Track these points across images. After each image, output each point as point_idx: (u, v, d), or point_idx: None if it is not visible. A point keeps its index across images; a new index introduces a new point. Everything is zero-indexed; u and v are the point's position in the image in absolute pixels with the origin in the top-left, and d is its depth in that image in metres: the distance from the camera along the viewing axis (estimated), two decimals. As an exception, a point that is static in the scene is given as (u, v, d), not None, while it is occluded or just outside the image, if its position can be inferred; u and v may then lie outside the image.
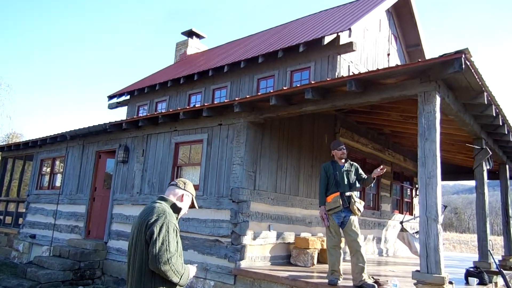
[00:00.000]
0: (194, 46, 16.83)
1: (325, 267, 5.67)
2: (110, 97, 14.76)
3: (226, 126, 6.80)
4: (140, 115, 13.47)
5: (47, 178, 11.04)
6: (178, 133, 7.57)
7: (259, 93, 6.64)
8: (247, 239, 6.20)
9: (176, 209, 2.55)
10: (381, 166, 5.14)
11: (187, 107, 7.86)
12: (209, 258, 6.43)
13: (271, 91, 5.89)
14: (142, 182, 7.99)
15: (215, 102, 6.75)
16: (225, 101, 6.47)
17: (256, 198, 6.49)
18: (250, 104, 6.25)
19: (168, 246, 2.26)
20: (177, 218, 2.52)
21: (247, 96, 6.11)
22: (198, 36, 17.04)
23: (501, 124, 6.37)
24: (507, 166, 9.23)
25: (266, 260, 6.62)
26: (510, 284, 6.86)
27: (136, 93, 13.86)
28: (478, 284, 5.96)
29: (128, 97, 14.52)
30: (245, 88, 10.83)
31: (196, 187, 6.92)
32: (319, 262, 7.01)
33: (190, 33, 16.77)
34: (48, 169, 11.08)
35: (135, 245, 2.37)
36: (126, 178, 8.38)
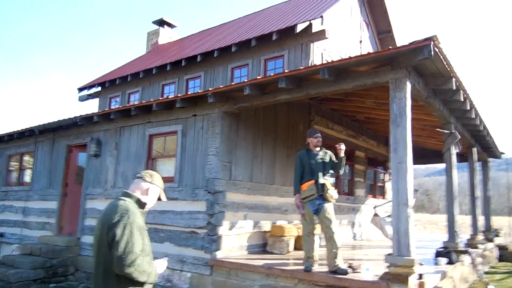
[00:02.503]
0: (166, 35, 16.48)
1: (301, 253, 5.74)
2: (80, 89, 14.31)
3: (200, 116, 6.72)
4: (112, 107, 13.13)
5: (15, 174, 10.66)
6: (152, 125, 7.43)
7: (233, 83, 6.59)
8: (223, 230, 6.20)
9: (141, 204, 2.43)
10: (339, 145, 5.27)
11: (160, 98, 7.72)
12: (185, 250, 6.40)
13: (245, 80, 5.84)
14: (116, 176, 7.83)
15: (189, 93, 6.67)
16: (199, 91, 6.38)
17: (232, 188, 6.48)
18: (224, 94, 6.19)
19: (132, 247, 2.16)
20: (143, 213, 2.42)
21: (221, 86, 6.05)
22: (170, 25, 16.68)
23: (468, 108, 6.55)
24: (474, 149, 9.56)
25: (243, 249, 6.65)
26: (476, 262, 7.17)
27: (108, 85, 13.50)
28: (447, 263, 6.19)
29: (99, 88, 14.14)
30: (219, 78, 10.72)
31: (171, 179, 6.84)
32: (295, 248, 7.09)
33: (161, 22, 16.39)
34: (17, 165, 10.69)
35: (98, 247, 2.27)
36: (99, 172, 8.18)
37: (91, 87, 14.12)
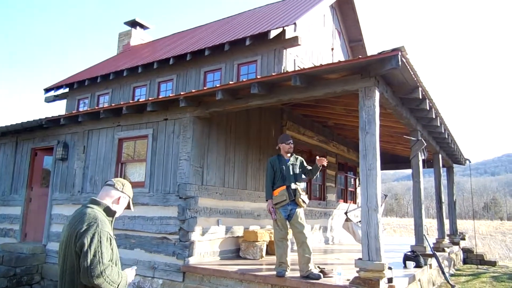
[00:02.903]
0: (138, 37, 16.22)
1: (274, 258, 5.75)
2: (47, 90, 13.84)
3: (172, 121, 6.65)
4: (81, 109, 12.81)
5: (-24, 178, 10.16)
6: (122, 129, 7.28)
7: (205, 88, 6.56)
8: (195, 235, 6.14)
9: (110, 212, 2.37)
10: (324, 159, 5.32)
11: (131, 101, 7.57)
12: (157, 256, 6.29)
13: (217, 85, 5.83)
14: (84, 180, 7.61)
15: (160, 97, 6.56)
16: (170, 95, 6.31)
17: (204, 193, 6.43)
18: (196, 98, 6.15)
19: (101, 257, 2.11)
20: (111, 221, 2.37)
21: (193, 91, 6.00)
22: (143, 27, 16.43)
23: (434, 117, 6.80)
24: (440, 156, 9.91)
25: (216, 255, 6.61)
26: (443, 265, 7.41)
27: (76, 86, 13.12)
28: (415, 267, 6.36)
29: (67, 90, 13.71)
30: (191, 81, 10.64)
31: (141, 184, 6.73)
32: (268, 253, 7.11)
33: (133, 23, 16.11)
34: (-23, 169, 10.20)
35: (65, 256, 2.20)
36: (66, 177, 7.93)
37: (58, 88, 13.67)
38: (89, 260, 2.08)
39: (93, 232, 2.14)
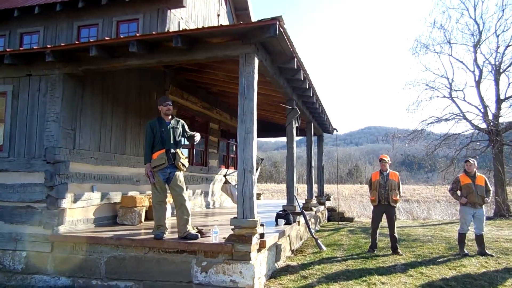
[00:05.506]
0: (-6, -22, 13.75)
1: (153, 223, 5.73)
2: None
3: (37, 77, 5.92)
4: None
5: None
6: (-28, 83, 6.23)
7: (77, 42, 5.96)
8: (66, 203, 5.71)
9: None
10: (197, 135, 5.54)
11: (-16, 52, 6.45)
12: (20, 227, 5.69)
13: (92, 40, 5.36)
14: None
15: (21, 49, 5.77)
16: (34, 48, 5.59)
17: (77, 158, 5.98)
18: (66, 53, 5.56)
19: None
20: None
21: (62, 44, 5.41)
22: (-1, -34, 13.94)
23: (307, 87, 7.37)
24: (312, 124, 10.85)
25: (90, 222, 6.27)
26: (310, 222, 8.30)
27: None
28: (285, 224, 7.00)
29: None
30: (62, 36, 9.55)
31: (-1, 148, 5.93)
32: (147, 219, 7.03)
33: (-13, -39, 13.56)
34: None
35: None
36: None
37: None
38: None
39: None
